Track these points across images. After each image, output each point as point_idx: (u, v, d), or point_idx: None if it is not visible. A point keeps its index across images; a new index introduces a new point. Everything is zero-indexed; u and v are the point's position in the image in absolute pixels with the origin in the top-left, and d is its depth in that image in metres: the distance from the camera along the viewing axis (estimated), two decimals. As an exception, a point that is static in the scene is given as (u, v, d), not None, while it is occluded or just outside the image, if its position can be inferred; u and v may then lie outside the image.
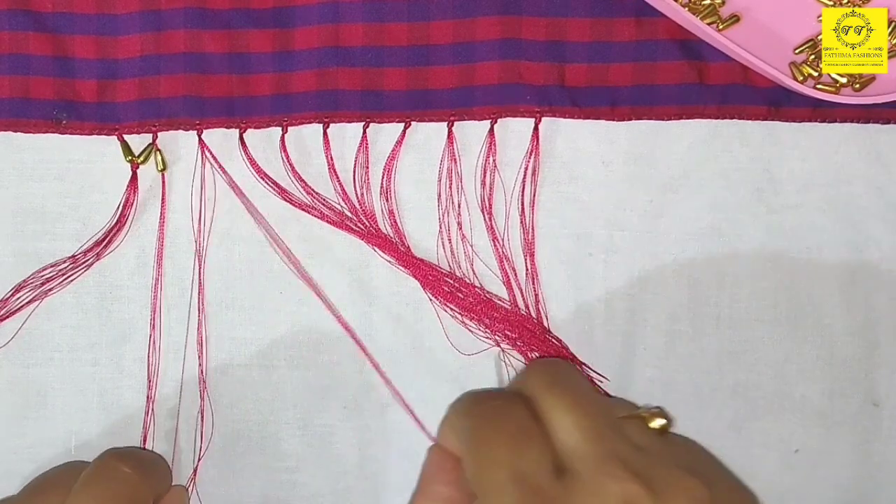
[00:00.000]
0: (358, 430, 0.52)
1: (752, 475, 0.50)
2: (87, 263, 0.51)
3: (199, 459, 0.52)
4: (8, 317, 0.51)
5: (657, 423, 0.44)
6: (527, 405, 0.43)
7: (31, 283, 0.51)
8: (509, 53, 0.50)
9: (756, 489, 0.50)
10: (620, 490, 0.39)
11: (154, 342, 0.52)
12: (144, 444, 0.52)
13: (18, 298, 0.51)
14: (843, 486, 0.51)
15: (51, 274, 0.51)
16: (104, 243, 0.51)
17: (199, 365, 0.52)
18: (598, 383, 0.51)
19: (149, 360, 0.52)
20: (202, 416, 0.52)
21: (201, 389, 0.52)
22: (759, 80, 0.50)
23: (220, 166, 0.51)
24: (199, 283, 0.52)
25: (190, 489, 0.52)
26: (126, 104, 0.51)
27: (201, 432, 0.52)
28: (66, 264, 0.51)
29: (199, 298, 0.52)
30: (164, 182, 0.51)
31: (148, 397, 0.52)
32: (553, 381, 0.43)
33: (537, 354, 0.50)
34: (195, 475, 0.52)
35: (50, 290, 0.51)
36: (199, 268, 0.52)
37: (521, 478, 0.40)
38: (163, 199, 0.51)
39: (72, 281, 0.51)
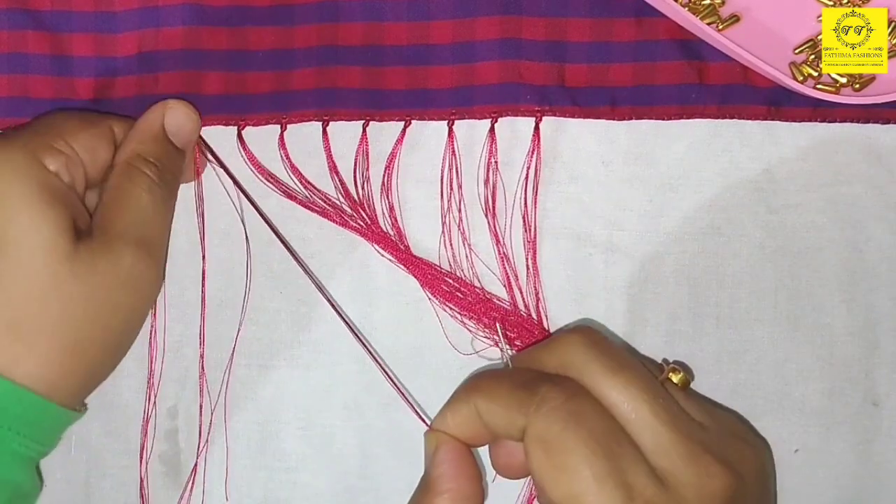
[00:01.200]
0: (359, 430, 0.52)
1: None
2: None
3: (198, 457, 0.52)
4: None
5: (679, 377, 0.43)
6: (593, 397, 0.40)
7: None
8: (509, 53, 0.50)
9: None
10: (722, 486, 0.39)
11: (154, 342, 0.52)
12: (144, 443, 0.52)
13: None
14: (843, 486, 0.52)
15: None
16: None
17: (200, 368, 0.52)
18: None
19: (151, 360, 0.52)
20: (201, 412, 0.52)
21: (200, 387, 0.52)
22: (759, 80, 0.50)
23: (223, 165, 0.51)
24: (203, 283, 0.52)
25: (190, 488, 0.52)
26: (124, 101, 0.51)
27: (200, 432, 0.52)
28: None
29: (202, 298, 0.52)
30: None
31: (147, 397, 0.52)
32: (611, 366, 0.41)
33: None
34: (194, 473, 0.52)
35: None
36: (203, 267, 0.52)
37: (630, 493, 0.38)
38: None
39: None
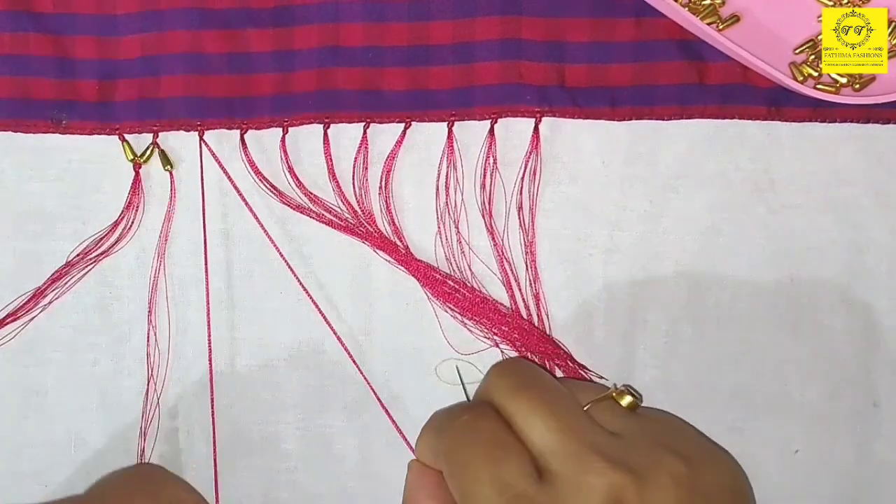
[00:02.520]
0: (358, 430, 0.52)
1: (753, 475, 0.50)
2: (93, 260, 0.51)
3: (214, 458, 0.52)
4: (13, 319, 0.51)
5: (626, 400, 0.44)
6: (496, 414, 0.43)
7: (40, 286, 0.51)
8: (509, 53, 0.50)
9: (756, 489, 0.50)
10: (604, 483, 0.40)
11: (154, 342, 0.52)
12: (144, 443, 0.52)
13: (19, 298, 0.51)
14: (843, 486, 0.51)
15: (54, 275, 0.51)
16: (105, 243, 0.51)
17: (210, 366, 0.52)
18: (587, 375, 0.51)
19: (148, 360, 0.52)
20: (213, 418, 0.52)
21: (210, 389, 0.52)
22: (759, 80, 0.50)
23: (222, 167, 0.51)
24: (206, 283, 0.52)
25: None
26: (126, 104, 0.51)
27: (213, 437, 0.52)
28: (67, 265, 0.51)
29: (206, 299, 0.52)
30: (172, 181, 0.51)
31: (146, 397, 0.52)
32: (515, 385, 0.44)
33: (536, 356, 0.50)
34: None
35: (53, 290, 0.52)
36: (206, 268, 0.52)
37: (505, 489, 0.40)
38: (172, 196, 0.51)
39: (72, 282, 0.51)
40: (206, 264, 0.52)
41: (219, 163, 0.51)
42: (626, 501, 0.40)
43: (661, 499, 0.40)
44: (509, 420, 0.43)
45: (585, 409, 0.43)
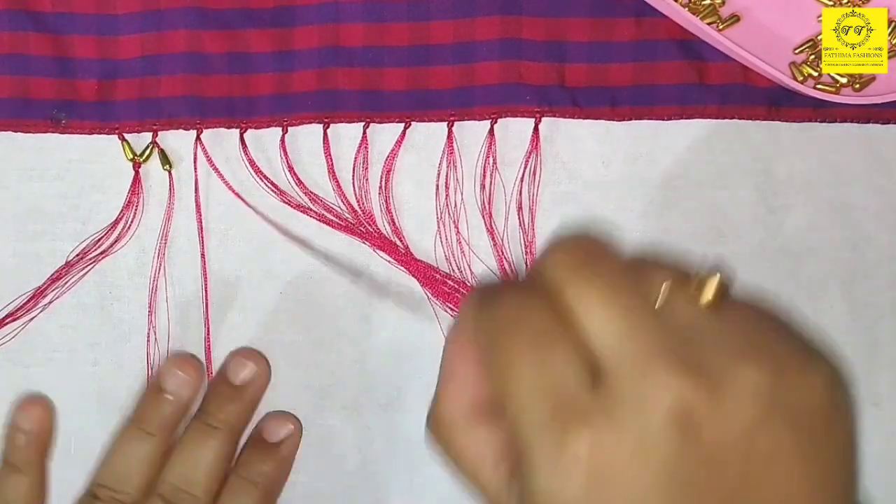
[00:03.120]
0: (358, 430, 0.52)
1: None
2: (93, 260, 0.51)
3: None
4: (12, 319, 0.51)
5: (710, 290, 0.35)
6: (549, 299, 0.35)
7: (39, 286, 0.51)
8: (509, 53, 0.50)
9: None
10: (669, 393, 0.32)
11: (154, 342, 0.52)
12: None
13: (19, 299, 0.51)
14: (843, 486, 0.51)
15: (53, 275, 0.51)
16: (104, 243, 0.51)
17: (208, 366, 0.52)
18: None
19: (148, 360, 0.52)
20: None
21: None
22: (759, 80, 0.50)
23: (214, 166, 0.51)
24: (205, 285, 0.52)
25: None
26: (126, 103, 0.51)
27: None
28: (67, 265, 0.51)
29: (204, 299, 0.52)
30: (171, 180, 0.51)
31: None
32: (576, 266, 0.35)
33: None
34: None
35: (53, 290, 0.52)
36: (204, 268, 0.52)
37: (551, 393, 0.33)
38: (171, 196, 0.51)
39: (72, 282, 0.51)
40: (203, 264, 0.52)
41: (209, 161, 0.51)
42: (695, 416, 0.32)
43: (736, 416, 0.33)
44: (565, 307, 0.35)
45: (661, 297, 0.35)
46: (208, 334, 0.52)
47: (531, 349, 0.34)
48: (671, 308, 0.35)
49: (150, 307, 0.52)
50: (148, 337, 0.52)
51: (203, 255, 0.51)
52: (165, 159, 0.51)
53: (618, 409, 0.32)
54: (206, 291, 0.52)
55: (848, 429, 0.36)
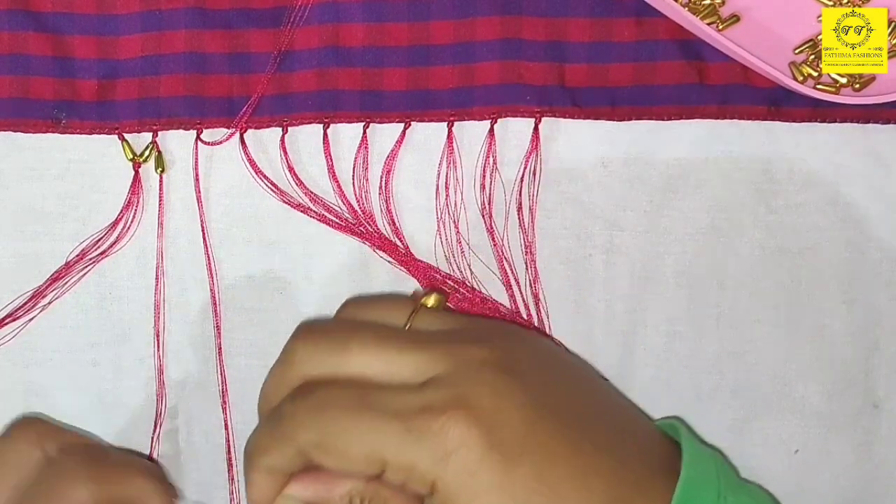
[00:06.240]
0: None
1: (753, 475, 0.51)
2: (93, 260, 0.51)
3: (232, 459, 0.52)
4: (12, 320, 0.52)
5: (432, 301, 0.46)
6: (332, 382, 0.43)
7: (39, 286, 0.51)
8: (509, 53, 0.50)
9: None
10: (480, 351, 0.42)
11: (155, 342, 0.52)
12: (153, 444, 0.52)
13: (19, 299, 0.51)
14: (843, 486, 0.51)
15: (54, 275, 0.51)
16: (104, 243, 0.51)
17: (220, 370, 0.52)
18: None
19: (158, 361, 0.52)
20: (226, 418, 0.52)
21: (222, 391, 0.52)
22: (759, 80, 0.50)
23: (195, 169, 0.51)
24: (212, 288, 0.52)
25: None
26: (126, 103, 0.51)
27: (227, 438, 0.52)
28: (67, 265, 0.51)
29: (213, 303, 0.52)
30: (161, 184, 0.51)
31: (159, 396, 0.52)
32: (330, 348, 0.43)
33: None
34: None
35: (52, 290, 0.52)
36: (209, 267, 0.52)
37: (400, 412, 0.41)
38: (160, 200, 0.51)
39: (72, 282, 0.51)
40: (209, 264, 0.52)
41: (195, 163, 0.51)
42: (515, 365, 0.42)
43: (522, 354, 0.44)
44: (349, 378, 0.43)
45: (408, 328, 0.45)
46: (219, 335, 0.52)
47: (356, 405, 0.41)
48: (420, 325, 0.45)
49: (151, 307, 0.51)
50: (149, 337, 0.52)
51: (208, 255, 0.51)
52: (160, 162, 0.51)
53: (454, 378, 0.41)
54: (213, 292, 0.52)
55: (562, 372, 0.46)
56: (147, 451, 0.52)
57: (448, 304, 0.50)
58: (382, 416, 0.41)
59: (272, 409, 0.44)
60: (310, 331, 0.45)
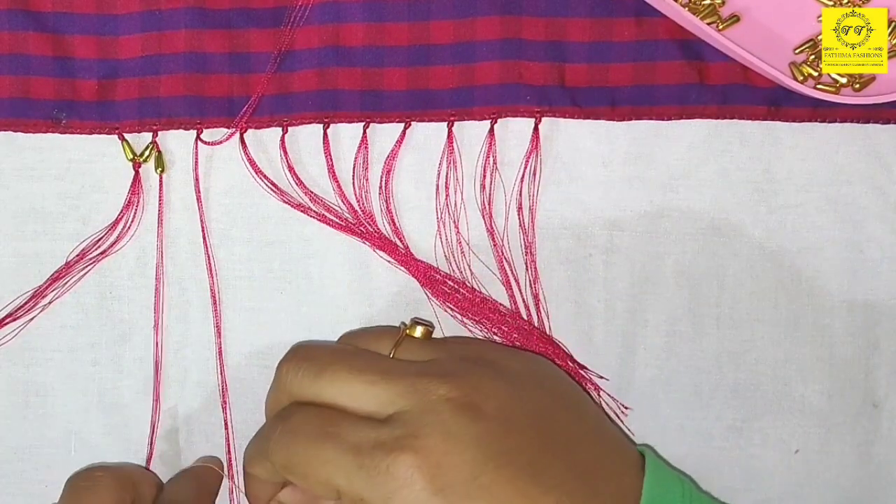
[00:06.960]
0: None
1: (753, 475, 0.51)
2: (93, 260, 0.51)
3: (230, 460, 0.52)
4: (12, 320, 0.52)
5: (419, 331, 0.47)
6: (309, 405, 0.45)
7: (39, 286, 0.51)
8: (509, 53, 0.50)
9: (756, 489, 0.50)
10: (448, 391, 0.43)
11: (155, 342, 0.52)
12: (152, 444, 0.52)
13: (19, 299, 0.51)
14: (843, 486, 0.51)
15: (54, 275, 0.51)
16: (104, 243, 0.51)
17: (220, 370, 0.52)
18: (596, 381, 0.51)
19: (156, 361, 0.52)
20: (226, 418, 0.52)
21: (222, 391, 0.52)
22: (759, 80, 0.50)
23: (195, 169, 0.51)
24: (212, 288, 0.52)
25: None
26: (126, 103, 0.51)
27: (227, 438, 0.52)
28: (67, 265, 0.51)
29: (213, 303, 0.52)
30: (161, 184, 0.51)
31: (158, 396, 0.52)
32: (311, 372, 0.45)
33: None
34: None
35: (52, 290, 0.52)
36: (210, 267, 0.52)
37: (358, 447, 0.42)
38: (160, 200, 0.51)
39: (72, 282, 0.51)
40: (209, 264, 0.52)
41: (195, 163, 0.51)
42: (475, 403, 0.43)
43: (490, 390, 0.43)
44: (325, 404, 0.44)
45: (392, 356, 0.46)
46: (219, 335, 0.52)
47: (320, 436, 0.43)
48: (402, 355, 0.46)
49: (151, 307, 0.51)
50: (148, 336, 0.52)
51: (208, 255, 0.51)
52: (160, 162, 0.51)
53: (416, 421, 0.42)
54: (213, 292, 0.52)
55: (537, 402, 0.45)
56: (147, 451, 0.52)
57: (451, 306, 0.50)
58: (339, 449, 0.42)
59: (266, 422, 0.47)
60: (295, 354, 0.46)
